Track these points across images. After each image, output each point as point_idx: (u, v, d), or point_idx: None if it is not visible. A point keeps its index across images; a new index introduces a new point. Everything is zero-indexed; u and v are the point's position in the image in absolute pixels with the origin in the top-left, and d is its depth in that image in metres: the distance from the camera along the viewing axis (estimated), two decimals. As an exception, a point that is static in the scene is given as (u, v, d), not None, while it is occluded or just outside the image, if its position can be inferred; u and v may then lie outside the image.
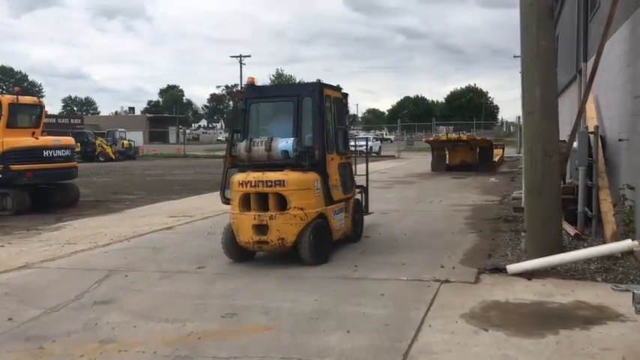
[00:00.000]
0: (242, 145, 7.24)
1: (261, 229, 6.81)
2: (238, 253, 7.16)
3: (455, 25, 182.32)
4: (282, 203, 6.82)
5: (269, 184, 6.79)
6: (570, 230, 7.86)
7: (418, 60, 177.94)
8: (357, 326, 4.74)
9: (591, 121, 9.53)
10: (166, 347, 4.38)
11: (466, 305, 5.21)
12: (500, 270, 6.37)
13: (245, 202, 6.93)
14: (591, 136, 8.46)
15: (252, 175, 6.89)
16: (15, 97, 12.55)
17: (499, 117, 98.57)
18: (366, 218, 10.37)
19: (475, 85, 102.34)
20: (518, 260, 6.70)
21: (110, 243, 8.64)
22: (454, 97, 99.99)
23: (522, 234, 7.29)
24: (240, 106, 7.70)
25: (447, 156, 23.54)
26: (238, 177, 7.01)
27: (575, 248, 7.21)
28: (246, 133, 7.55)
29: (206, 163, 33.75)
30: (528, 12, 6.76)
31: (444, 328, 4.65)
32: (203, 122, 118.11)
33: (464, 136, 24.38)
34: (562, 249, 6.87)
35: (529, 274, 6.11)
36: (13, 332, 4.73)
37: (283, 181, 6.78)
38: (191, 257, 7.53)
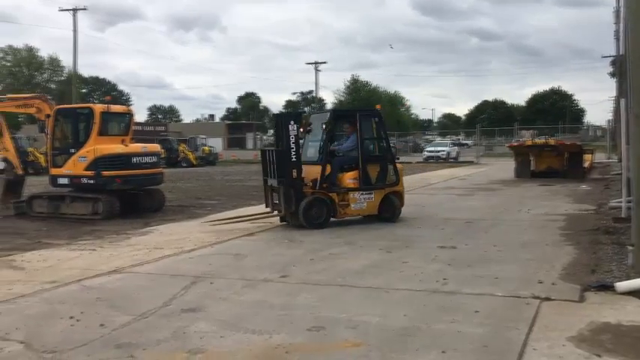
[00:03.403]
0: None
1: None
2: None
3: (531, 25, 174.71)
4: None
5: None
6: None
7: (493, 63, 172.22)
8: (452, 346, 4.42)
9: None
10: (254, 361, 4.28)
11: (573, 327, 4.76)
12: (607, 287, 5.83)
13: None
14: None
15: None
16: (106, 105, 13.09)
17: (585, 121, 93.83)
18: (451, 227, 10.18)
19: (559, 87, 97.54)
20: (626, 277, 6.13)
21: (195, 249, 8.74)
22: (536, 101, 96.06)
23: (629, 248, 6.67)
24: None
25: (532, 162, 22.46)
26: None
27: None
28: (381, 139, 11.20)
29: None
30: (636, 2, 6.19)
31: (551, 352, 4.25)
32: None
33: (552, 141, 23.20)
34: (676, 265, 6.22)
35: (641, 293, 5.55)
36: (105, 339, 4.78)
37: None
38: (273, 265, 7.46)
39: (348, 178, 10.57)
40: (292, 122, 10.19)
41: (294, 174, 10.11)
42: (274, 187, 10.48)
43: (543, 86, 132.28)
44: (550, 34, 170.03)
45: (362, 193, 10.62)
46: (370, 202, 10.71)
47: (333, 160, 10.60)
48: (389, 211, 10.96)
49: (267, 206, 10.85)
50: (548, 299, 5.58)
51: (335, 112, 11.12)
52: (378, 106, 11.92)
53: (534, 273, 6.64)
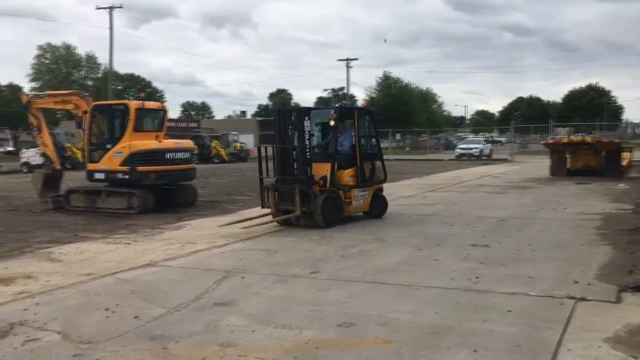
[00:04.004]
0: None
1: None
2: None
3: (568, 20, 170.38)
4: None
5: None
6: None
7: (528, 59, 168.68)
8: (484, 345, 4.37)
9: None
10: (285, 355, 4.30)
11: (609, 328, 4.66)
12: (644, 289, 5.68)
13: None
14: None
15: None
16: (141, 102, 13.31)
17: (623, 118, 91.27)
18: (484, 225, 10.08)
19: (597, 83, 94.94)
20: (666, 278, 5.96)
21: (226, 244, 8.84)
22: (573, 97, 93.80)
23: (669, 249, 6.48)
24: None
25: (569, 159, 21.98)
26: None
27: None
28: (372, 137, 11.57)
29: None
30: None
31: (586, 354, 4.16)
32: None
33: (589, 139, 22.65)
34: None
35: (681, 296, 5.39)
36: (139, 331, 4.88)
37: None
38: (304, 261, 7.49)
39: (347, 176, 10.49)
40: (307, 118, 10.00)
41: (308, 172, 9.97)
42: (278, 187, 10.24)
43: (580, 83, 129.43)
44: (587, 29, 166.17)
45: (360, 191, 10.73)
46: (365, 199, 10.83)
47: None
48: (378, 208, 11.20)
49: (263, 207, 10.47)
50: (583, 299, 5.47)
51: (341, 109, 10.95)
52: (363, 105, 12.44)
53: (569, 273, 6.51)
